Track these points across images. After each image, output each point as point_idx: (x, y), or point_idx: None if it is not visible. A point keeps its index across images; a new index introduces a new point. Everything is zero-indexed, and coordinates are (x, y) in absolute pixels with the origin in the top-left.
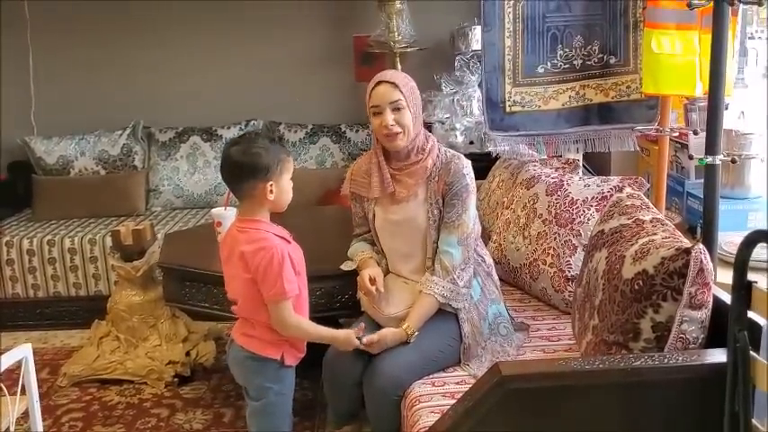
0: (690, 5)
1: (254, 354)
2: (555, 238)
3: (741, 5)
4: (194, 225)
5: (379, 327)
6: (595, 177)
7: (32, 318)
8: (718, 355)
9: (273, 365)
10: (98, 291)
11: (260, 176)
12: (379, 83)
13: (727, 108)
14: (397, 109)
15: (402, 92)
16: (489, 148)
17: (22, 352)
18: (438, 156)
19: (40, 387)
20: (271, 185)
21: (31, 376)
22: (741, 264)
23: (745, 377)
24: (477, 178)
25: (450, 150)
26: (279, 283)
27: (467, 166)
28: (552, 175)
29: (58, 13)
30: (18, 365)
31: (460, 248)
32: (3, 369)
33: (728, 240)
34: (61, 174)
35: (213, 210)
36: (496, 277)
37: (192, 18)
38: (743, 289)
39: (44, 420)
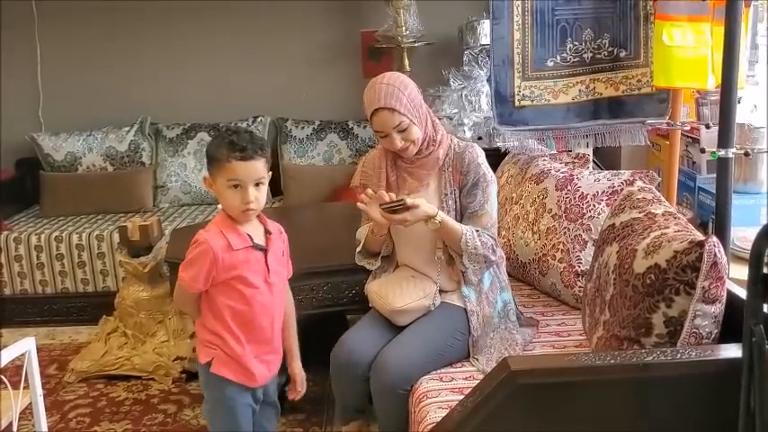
0: None
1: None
2: (564, 233)
3: None
4: (202, 221)
5: (386, 320)
6: (606, 172)
7: (40, 314)
8: (733, 351)
9: (204, 367)
10: (106, 287)
11: (207, 167)
12: (377, 110)
13: (739, 102)
14: (402, 130)
15: (402, 113)
16: (498, 144)
17: (25, 345)
18: (450, 146)
19: (47, 383)
20: (207, 179)
21: (34, 369)
22: (757, 256)
23: (762, 372)
24: None
25: (464, 141)
26: (183, 265)
27: (481, 156)
28: (562, 170)
29: (65, 10)
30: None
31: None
32: (5, 362)
33: (741, 235)
34: (69, 170)
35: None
36: (505, 269)
37: (200, 14)
38: (759, 282)
39: (51, 416)
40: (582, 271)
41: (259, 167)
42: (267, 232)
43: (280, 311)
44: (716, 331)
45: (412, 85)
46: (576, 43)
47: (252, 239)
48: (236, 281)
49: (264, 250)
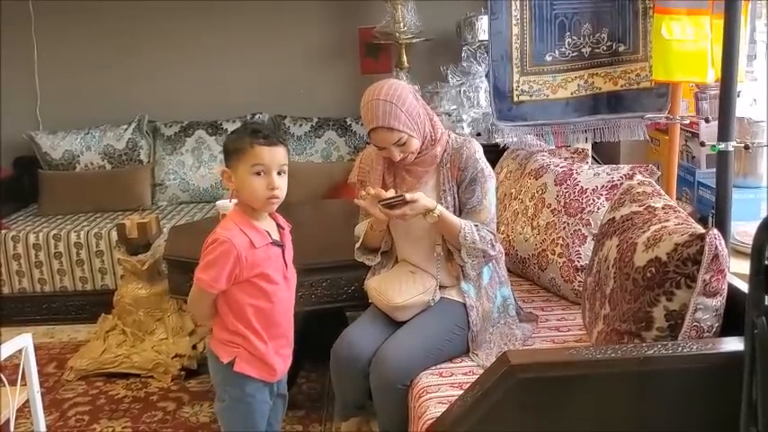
0: None
1: (211, 349)
2: (564, 228)
3: None
4: (201, 218)
5: (386, 316)
6: (605, 166)
7: (39, 312)
8: (734, 344)
9: (225, 367)
10: (104, 285)
11: (225, 160)
12: (375, 128)
13: (739, 95)
14: (401, 144)
15: (401, 130)
16: (497, 140)
17: (22, 342)
18: (448, 142)
19: (46, 381)
20: (226, 172)
21: (31, 366)
22: (759, 248)
23: (764, 365)
24: None
25: (462, 136)
26: (201, 266)
27: (478, 151)
28: (561, 165)
29: (62, 8)
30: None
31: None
32: (3, 358)
33: (740, 230)
34: (67, 168)
35: (219, 202)
36: (504, 264)
37: (197, 11)
38: (761, 273)
39: (50, 414)
40: (581, 266)
41: (282, 153)
42: (279, 227)
43: (293, 305)
44: (717, 325)
45: (410, 96)
46: (575, 38)
47: (270, 236)
48: (258, 278)
49: (281, 246)
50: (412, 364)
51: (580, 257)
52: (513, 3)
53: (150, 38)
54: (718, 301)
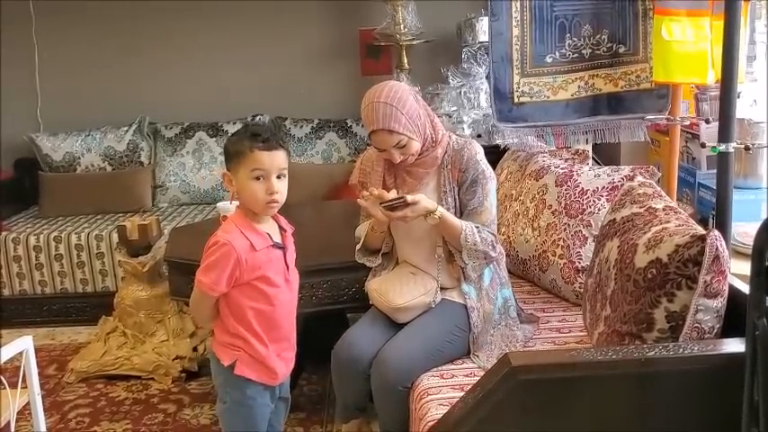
0: None
1: (212, 351)
2: (565, 229)
3: None
4: (201, 220)
5: (387, 318)
6: (606, 167)
7: (40, 314)
8: (735, 345)
9: (226, 369)
10: (105, 287)
11: (226, 163)
12: (375, 130)
13: (739, 96)
14: (401, 146)
15: (401, 132)
16: (497, 141)
17: (22, 344)
18: (449, 143)
19: (47, 383)
20: (227, 175)
21: (31, 368)
22: (760, 249)
23: (765, 366)
24: None
25: (463, 137)
26: (202, 268)
27: (479, 152)
28: (562, 166)
29: (62, 9)
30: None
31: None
32: (3, 360)
33: (741, 231)
34: (68, 170)
35: (219, 204)
36: (505, 265)
37: (197, 12)
38: (762, 275)
39: (51, 416)
40: (582, 267)
41: (282, 157)
42: (282, 229)
43: (295, 308)
44: (718, 326)
45: (410, 98)
46: (575, 39)
47: (271, 238)
48: (259, 281)
49: (283, 248)
50: (413, 366)
51: (581, 259)
52: (513, 4)
53: (151, 39)
54: (719, 303)
